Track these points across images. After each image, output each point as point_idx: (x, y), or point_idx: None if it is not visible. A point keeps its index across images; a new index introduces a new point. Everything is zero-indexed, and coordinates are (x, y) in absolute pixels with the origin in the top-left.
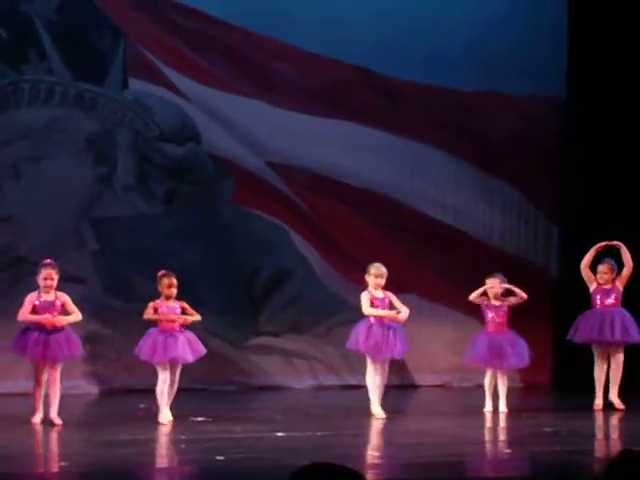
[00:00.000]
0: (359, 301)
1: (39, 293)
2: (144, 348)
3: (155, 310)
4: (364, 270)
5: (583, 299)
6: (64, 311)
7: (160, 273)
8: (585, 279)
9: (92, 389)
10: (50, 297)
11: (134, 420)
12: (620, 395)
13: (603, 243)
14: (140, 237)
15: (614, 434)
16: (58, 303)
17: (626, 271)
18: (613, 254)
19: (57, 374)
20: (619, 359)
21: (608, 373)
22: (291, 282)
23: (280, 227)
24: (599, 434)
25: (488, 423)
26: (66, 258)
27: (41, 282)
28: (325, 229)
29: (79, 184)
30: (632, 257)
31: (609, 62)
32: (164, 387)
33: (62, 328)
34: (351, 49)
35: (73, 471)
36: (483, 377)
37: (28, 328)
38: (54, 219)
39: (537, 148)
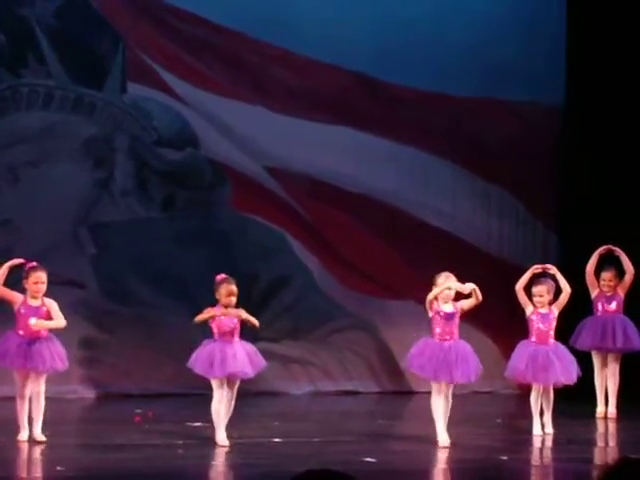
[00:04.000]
0: (358, 307)
1: (25, 298)
2: (200, 361)
3: (212, 316)
4: (362, 276)
5: (582, 305)
6: (48, 318)
7: (219, 278)
8: (588, 285)
9: (89, 394)
10: (36, 303)
11: (130, 425)
12: (619, 403)
13: (605, 247)
14: (138, 242)
15: (613, 442)
16: (44, 309)
17: (628, 278)
18: (613, 260)
19: (40, 388)
20: (615, 368)
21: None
22: (289, 288)
23: (278, 233)
24: (599, 442)
25: (484, 430)
26: (64, 262)
27: (30, 286)
28: (323, 235)
29: (77, 188)
30: (632, 264)
31: (607, 69)
32: (220, 406)
33: (46, 337)
34: (351, 56)
35: (69, 475)
36: (479, 385)
37: (10, 336)
38: (52, 223)
39: (535, 155)
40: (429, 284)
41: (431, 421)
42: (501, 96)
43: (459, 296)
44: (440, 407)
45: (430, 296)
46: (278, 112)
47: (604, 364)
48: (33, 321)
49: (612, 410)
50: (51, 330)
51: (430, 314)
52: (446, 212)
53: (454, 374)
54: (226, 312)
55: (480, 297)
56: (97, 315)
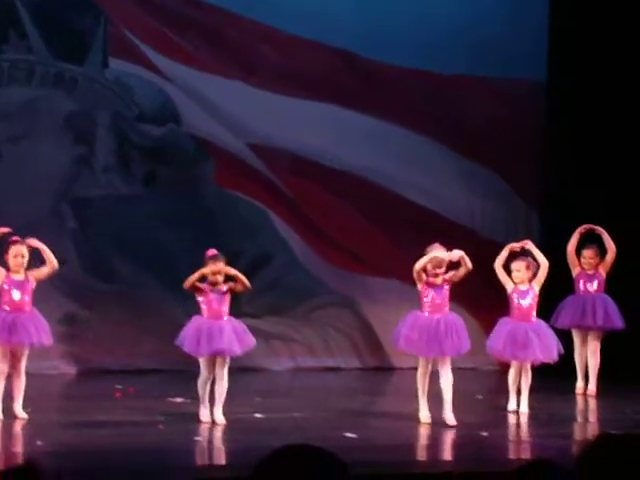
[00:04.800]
0: (341, 284)
1: (9, 273)
2: (188, 338)
3: (200, 290)
4: (344, 253)
5: (563, 284)
6: (34, 293)
7: (208, 254)
8: (570, 263)
9: (70, 369)
10: (20, 277)
11: (111, 401)
12: (600, 381)
13: (586, 226)
14: (120, 218)
15: (593, 418)
16: (29, 284)
17: (609, 257)
18: (595, 239)
19: (22, 365)
20: (596, 348)
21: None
22: (272, 265)
23: (261, 210)
24: (579, 418)
25: (465, 406)
26: (45, 238)
27: (10, 260)
28: (306, 212)
29: (58, 164)
30: (614, 243)
31: (590, 47)
32: (205, 384)
33: (30, 312)
34: (335, 32)
35: (49, 450)
36: (462, 361)
37: None
38: (33, 199)
39: (519, 133)
40: (412, 261)
41: (412, 397)
42: (485, 74)
43: (449, 269)
44: (424, 384)
45: (417, 266)
46: (261, 89)
47: (584, 342)
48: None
49: (592, 388)
50: (43, 277)
51: (419, 286)
52: (429, 190)
53: (444, 347)
54: (216, 269)
55: (470, 265)
56: (78, 291)
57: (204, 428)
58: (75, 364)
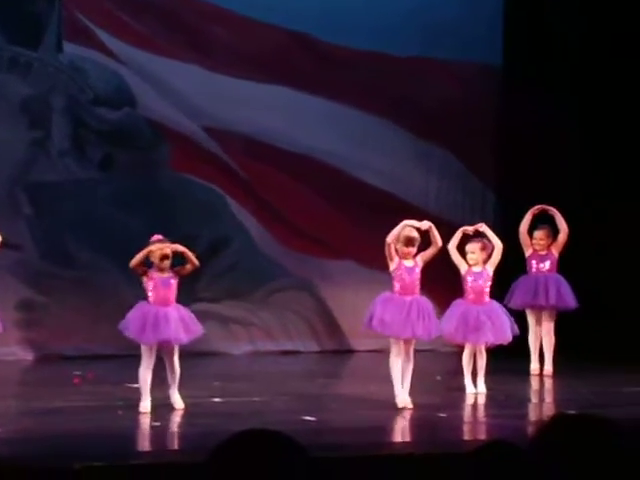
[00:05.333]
0: (298, 267)
1: None
2: (132, 323)
3: (146, 274)
4: (301, 236)
5: (518, 265)
6: None
7: (153, 240)
8: (522, 244)
9: (27, 355)
10: None
11: (69, 387)
12: (555, 361)
13: (539, 206)
14: (76, 203)
15: (549, 398)
16: None
17: (562, 237)
18: (548, 219)
19: None
20: (550, 328)
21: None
22: (229, 248)
23: (217, 193)
24: (534, 398)
25: (423, 387)
26: (0, 223)
27: None
28: (262, 195)
29: (13, 149)
30: (567, 224)
31: (544, 31)
32: (147, 373)
33: None
34: (291, 15)
35: (8, 437)
36: (420, 343)
37: None
38: None
39: (475, 115)
40: (369, 243)
41: (370, 380)
42: (441, 56)
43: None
44: (398, 367)
45: (388, 238)
46: (216, 72)
47: (538, 322)
48: None
49: (548, 368)
50: None
51: (390, 266)
52: (385, 172)
53: (416, 329)
54: (164, 251)
55: (439, 242)
56: (35, 277)
57: (162, 413)
58: (32, 350)
